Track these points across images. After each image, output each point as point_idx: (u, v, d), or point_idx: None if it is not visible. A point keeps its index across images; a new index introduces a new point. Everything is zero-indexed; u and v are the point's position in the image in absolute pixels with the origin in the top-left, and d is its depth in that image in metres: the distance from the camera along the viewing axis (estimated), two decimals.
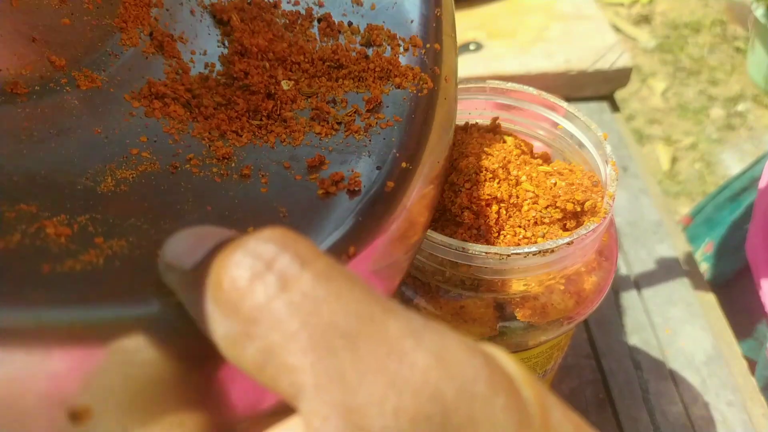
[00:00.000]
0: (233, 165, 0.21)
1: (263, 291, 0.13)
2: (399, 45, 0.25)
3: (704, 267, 0.64)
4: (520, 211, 0.30)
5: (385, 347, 0.12)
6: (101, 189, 0.18)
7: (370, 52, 0.25)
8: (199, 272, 0.14)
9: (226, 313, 0.13)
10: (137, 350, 0.14)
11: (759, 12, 1.46)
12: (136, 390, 0.14)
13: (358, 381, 0.12)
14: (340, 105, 0.23)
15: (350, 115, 0.23)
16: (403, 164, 0.21)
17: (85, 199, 0.17)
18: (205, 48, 0.24)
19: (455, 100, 0.25)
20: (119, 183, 0.18)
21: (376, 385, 0.12)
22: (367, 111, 0.23)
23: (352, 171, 0.20)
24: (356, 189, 0.20)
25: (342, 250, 0.18)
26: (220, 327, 0.13)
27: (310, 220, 0.19)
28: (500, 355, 0.13)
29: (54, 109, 0.20)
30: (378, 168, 0.21)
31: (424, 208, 0.22)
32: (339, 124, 0.22)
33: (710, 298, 0.50)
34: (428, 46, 0.25)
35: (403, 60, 0.24)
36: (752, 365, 0.47)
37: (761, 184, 0.57)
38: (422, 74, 0.24)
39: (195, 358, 0.14)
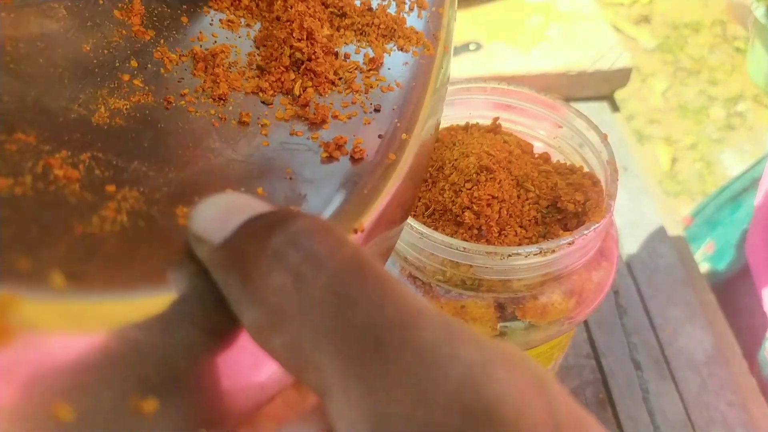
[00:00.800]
0: (230, 108, 0.20)
1: (293, 284, 0.12)
2: (405, 3, 0.24)
3: (705, 267, 0.64)
4: (520, 211, 0.30)
5: (417, 356, 0.11)
6: (96, 120, 0.17)
7: (374, 4, 0.24)
8: (228, 250, 0.13)
9: (254, 302, 0.13)
10: (176, 330, 0.13)
11: (759, 12, 1.46)
12: (183, 374, 0.13)
13: (387, 389, 0.11)
14: (341, 58, 0.22)
15: (351, 72, 0.22)
16: (403, 135, 0.20)
17: (81, 132, 0.16)
18: None
19: (449, 70, 0.24)
20: (113, 114, 0.18)
21: (407, 395, 0.11)
22: (369, 70, 0.22)
23: (354, 136, 0.20)
24: (359, 157, 0.19)
25: (348, 225, 0.18)
26: (248, 313, 0.13)
27: (315, 185, 0.18)
28: (532, 363, 0.13)
29: (40, 17, 0.18)
30: (380, 136, 0.20)
31: (416, 184, 0.22)
32: (339, 79, 0.22)
33: (710, 298, 0.51)
34: (433, 9, 0.24)
35: (407, 20, 0.24)
36: (752, 365, 0.47)
37: (761, 185, 0.57)
38: (425, 39, 0.23)
39: (227, 335, 0.14)
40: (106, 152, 0.16)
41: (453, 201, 0.30)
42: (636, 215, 0.56)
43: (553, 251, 0.27)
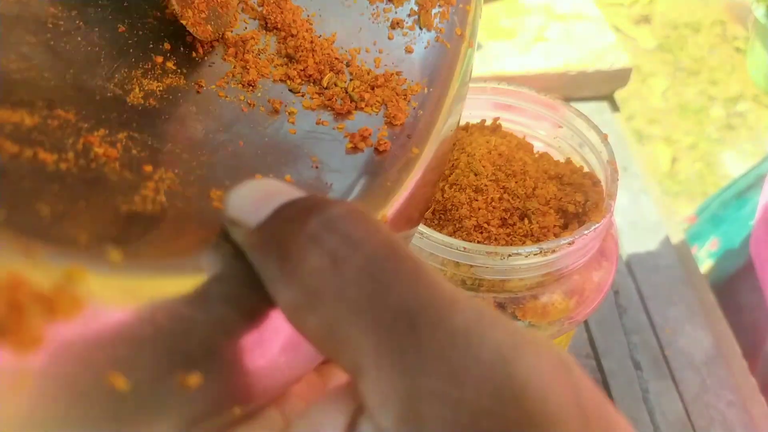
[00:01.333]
0: (259, 95, 0.20)
1: (330, 265, 0.13)
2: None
3: (709, 264, 0.64)
4: (520, 210, 0.30)
5: (450, 338, 0.12)
6: (130, 100, 0.18)
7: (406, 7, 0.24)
8: (264, 234, 0.14)
9: (290, 283, 0.13)
10: (214, 308, 0.13)
11: (759, 12, 1.46)
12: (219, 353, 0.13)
13: (420, 368, 0.12)
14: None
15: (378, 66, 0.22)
16: (426, 130, 0.21)
17: (118, 111, 0.17)
18: None
19: (472, 65, 0.24)
20: (147, 96, 0.18)
21: (439, 374, 0.11)
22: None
23: (378, 128, 0.20)
24: (383, 149, 0.20)
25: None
26: (284, 293, 0.13)
27: (340, 175, 0.19)
28: (558, 348, 0.13)
29: None
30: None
31: (434, 183, 0.22)
32: (368, 74, 0.22)
33: (710, 298, 0.51)
34: (460, 6, 0.24)
35: (433, 21, 0.24)
36: (752, 364, 0.47)
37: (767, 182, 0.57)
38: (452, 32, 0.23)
39: (262, 315, 0.14)
40: (142, 132, 0.17)
41: (453, 201, 0.30)
42: (636, 215, 0.56)
43: (553, 251, 0.27)
